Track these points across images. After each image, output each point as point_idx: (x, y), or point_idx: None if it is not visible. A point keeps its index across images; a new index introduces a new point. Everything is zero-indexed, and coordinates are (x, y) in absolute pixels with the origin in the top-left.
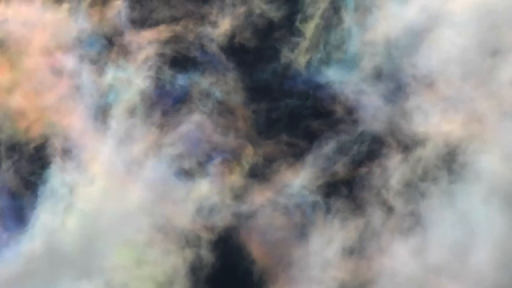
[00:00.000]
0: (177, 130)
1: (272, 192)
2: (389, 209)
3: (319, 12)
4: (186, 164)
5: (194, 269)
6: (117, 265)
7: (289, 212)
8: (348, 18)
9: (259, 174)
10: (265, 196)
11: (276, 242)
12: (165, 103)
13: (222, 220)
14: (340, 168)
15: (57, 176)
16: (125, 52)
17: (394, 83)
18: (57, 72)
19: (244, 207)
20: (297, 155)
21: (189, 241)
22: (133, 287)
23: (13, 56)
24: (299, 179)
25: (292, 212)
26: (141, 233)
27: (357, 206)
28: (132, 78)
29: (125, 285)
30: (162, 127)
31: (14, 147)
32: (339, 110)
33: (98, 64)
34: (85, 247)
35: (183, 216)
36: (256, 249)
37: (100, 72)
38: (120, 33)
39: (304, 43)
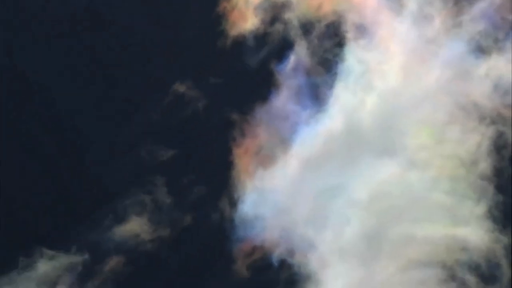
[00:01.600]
0: (474, 7)
1: None
2: None
3: None
4: (483, 42)
5: (497, 147)
6: (417, 143)
7: None
8: None
9: None
10: None
11: None
12: None
13: None
14: None
15: (353, 54)
16: None
17: None
18: None
19: None
20: None
21: (489, 118)
22: (435, 165)
23: None
24: None
25: None
26: (440, 112)
27: None
28: None
29: (427, 163)
30: (459, 4)
31: (307, 26)
32: None
33: None
34: (384, 125)
35: (481, 94)
36: None
37: None
38: None
39: None
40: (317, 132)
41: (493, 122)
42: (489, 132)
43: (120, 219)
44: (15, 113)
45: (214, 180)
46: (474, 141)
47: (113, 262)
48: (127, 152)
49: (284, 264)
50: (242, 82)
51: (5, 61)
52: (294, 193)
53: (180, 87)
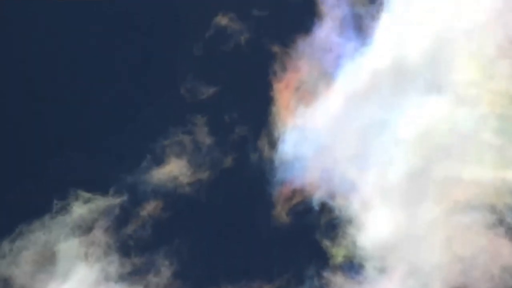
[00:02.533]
0: None
1: None
2: None
3: None
4: None
5: None
6: (466, 79)
7: None
8: None
9: None
10: None
11: None
12: None
13: None
14: None
15: None
16: None
17: None
18: None
19: None
20: None
21: None
22: (485, 103)
23: None
24: None
25: None
26: (491, 46)
27: None
28: None
29: (476, 100)
30: None
31: None
32: None
33: None
34: (432, 61)
35: None
36: None
37: None
38: None
39: None
40: (362, 67)
41: None
42: None
43: (159, 160)
44: None
45: (255, 119)
46: None
47: (151, 206)
48: (166, 90)
49: (325, 207)
50: (285, 14)
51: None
52: (337, 131)
53: (223, 20)
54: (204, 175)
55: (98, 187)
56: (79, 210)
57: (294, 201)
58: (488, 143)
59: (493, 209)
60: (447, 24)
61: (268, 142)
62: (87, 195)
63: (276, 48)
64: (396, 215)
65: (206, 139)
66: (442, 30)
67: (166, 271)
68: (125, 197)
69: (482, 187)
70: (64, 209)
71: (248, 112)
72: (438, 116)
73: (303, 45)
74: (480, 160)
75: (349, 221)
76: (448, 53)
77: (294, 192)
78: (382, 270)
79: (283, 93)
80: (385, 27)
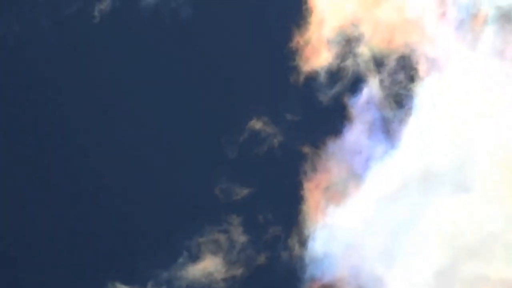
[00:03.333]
0: None
1: None
2: None
3: None
4: None
5: None
6: (492, 180)
7: None
8: None
9: None
10: None
11: None
12: None
13: None
14: None
15: (427, 89)
16: None
17: None
18: None
19: None
20: None
21: None
22: (510, 203)
23: None
24: None
25: None
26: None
27: None
28: None
29: (502, 200)
30: None
31: (379, 59)
32: None
33: None
34: (458, 162)
35: None
36: None
37: None
38: None
39: None
40: (390, 168)
41: None
42: None
43: (195, 257)
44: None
45: (286, 218)
46: None
47: None
48: (203, 190)
49: None
50: (316, 117)
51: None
52: (365, 230)
53: (257, 124)
54: (238, 271)
55: (136, 281)
56: None
57: None
58: None
59: None
60: (473, 127)
61: (298, 241)
62: (125, 287)
63: (306, 149)
64: None
65: (240, 238)
66: (468, 133)
67: None
68: None
69: (509, 286)
70: None
71: (280, 212)
72: (465, 215)
73: (333, 147)
74: (506, 259)
75: None
76: (474, 155)
77: None
78: None
79: (313, 192)
80: (413, 130)
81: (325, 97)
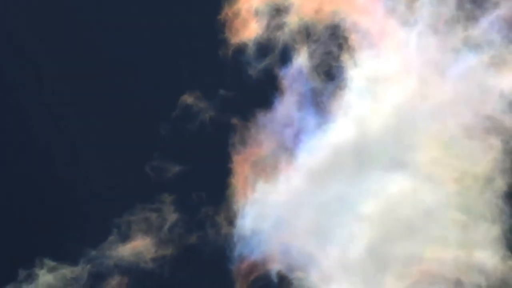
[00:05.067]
0: (490, 17)
1: None
2: None
3: None
4: (500, 54)
5: None
6: (430, 157)
7: None
8: None
9: None
10: None
11: None
12: None
13: None
14: None
15: (361, 61)
16: None
17: None
18: None
19: None
20: None
21: (508, 134)
22: (448, 181)
23: None
24: None
25: None
26: (454, 125)
27: None
28: None
29: (439, 178)
30: (474, 14)
31: (309, 30)
32: None
33: None
34: (394, 138)
35: (498, 108)
36: None
37: None
38: None
39: None
40: (323, 142)
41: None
42: (507, 148)
43: (125, 236)
44: None
45: (217, 195)
46: (491, 157)
47: (115, 280)
48: (134, 168)
49: (284, 281)
50: (246, 90)
51: None
52: (296, 206)
53: (189, 99)
54: (168, 251)
55: (65, 257)
56: (45, 278)
57: (253, 275)
58: (451, 222)
59: (449, 285)
60: (410, 102)
61: (226, 218)
62: (53, 264)
63: (236, 122)
64: None
65: (171, 217)
66: (404, 108)
67: None
68: (90, 270)
69: (445, 265)
70: (29, 277)
71: (212, 189)
72: (401, 193)
73: (263, 120)
74: (443, 238)
75: None
76: (412, 131)
77: (253, 267)
78: None
79: (242, 167)
80: (346, 103)
81: (254, 69)
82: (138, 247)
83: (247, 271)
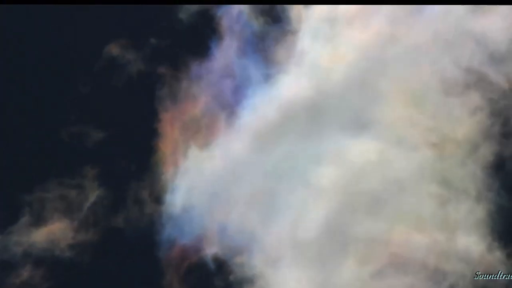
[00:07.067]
0: None
1: None
2: None
3: None
4: None
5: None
6: (398, 116)
7: None
8: None
9: None
10: None
11: None
12: None
13: None
14: None
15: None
16: None
17: None
18: None
19: None
20: None
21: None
22: (419, 144)
23: None
24: None
25: None
26: (428, 77)
27: None
28: None
29: (409, 141)
30: None
31: None
32: None
33: None
34: (355, 92)
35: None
36: None
37: None
38: None
39: None
40: (270, 97)
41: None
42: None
43: (37, 217)
44: None
45: (142, 166)
46: (475, 120)
47: (27, 271)
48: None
49: (222, 267)
50: (179, 35)
51: None
52: (236, 177)
53: (114, 49)
54: (88, 236)
55: None
56: None
57: (186, 264)
58: (424, 195)
59: (426, 273)
60: (372, 47)
61: (152, 194)
62: None
63: (166, 73)
64: (309, 275)
65: (91, 193)
66: (366, 56)
67: None
68: None
69: (419, 249)
70: None
71: (138, 159)
72: (364, 159)
73: (198, 70)
74: (416, 215)
75: (251, 281)
76: (375, 83)
77: (185, 253)
78: None
79: (173, 130)
80: (297, 52)
81: (188, 11)
82: (53, 231)
83: (178, 259)
